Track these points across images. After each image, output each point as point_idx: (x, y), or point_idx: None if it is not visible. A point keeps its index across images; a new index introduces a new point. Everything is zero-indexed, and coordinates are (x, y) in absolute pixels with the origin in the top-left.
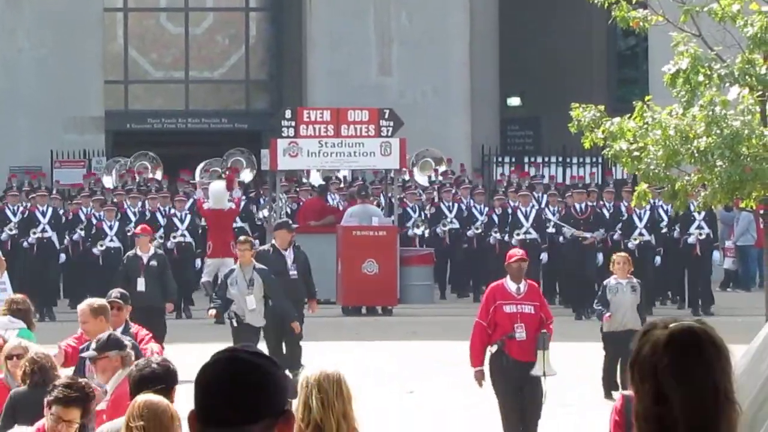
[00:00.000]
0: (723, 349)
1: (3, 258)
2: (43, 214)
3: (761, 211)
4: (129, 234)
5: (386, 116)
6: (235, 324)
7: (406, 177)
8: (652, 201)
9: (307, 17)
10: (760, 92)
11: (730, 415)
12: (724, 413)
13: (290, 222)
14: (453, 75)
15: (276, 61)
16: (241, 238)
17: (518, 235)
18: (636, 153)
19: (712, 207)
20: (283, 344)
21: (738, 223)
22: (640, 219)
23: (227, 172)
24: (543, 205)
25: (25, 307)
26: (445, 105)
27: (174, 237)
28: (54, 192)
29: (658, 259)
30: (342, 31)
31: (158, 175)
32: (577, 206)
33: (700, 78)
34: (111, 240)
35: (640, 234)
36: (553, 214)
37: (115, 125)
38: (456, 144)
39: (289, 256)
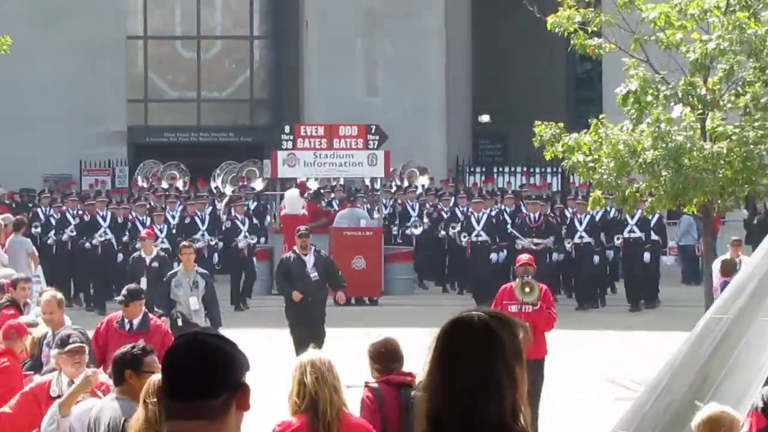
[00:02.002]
0: (504, 339)
1: (36, 253)
2: (104, 219)
3: (701, 215)
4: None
5: (373, 131)
6: (180, 323)
7: (404, 183)
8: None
9: (304, 44)
10: (701, 111)
11: (501, 398)
12: (491, 395)
13: (301, 228)
14: (431, 95)
15: (276, 82)
16: (185, 243)
17: (473, 236)
18: (591, 164)
19: (658, 213)
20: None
21: (680, 225)
22: (581, 223)
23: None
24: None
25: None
26: (424, 121)
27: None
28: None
29: (596, 258)
30: (334, 56)
31: (180, 184)
32: (532, 216)
33: (648, 98)
34: (162, 242)
35: (580, 237)
36: (512, 218)
37: (136, 139)
38: (433, 155)
39: (309, 259)
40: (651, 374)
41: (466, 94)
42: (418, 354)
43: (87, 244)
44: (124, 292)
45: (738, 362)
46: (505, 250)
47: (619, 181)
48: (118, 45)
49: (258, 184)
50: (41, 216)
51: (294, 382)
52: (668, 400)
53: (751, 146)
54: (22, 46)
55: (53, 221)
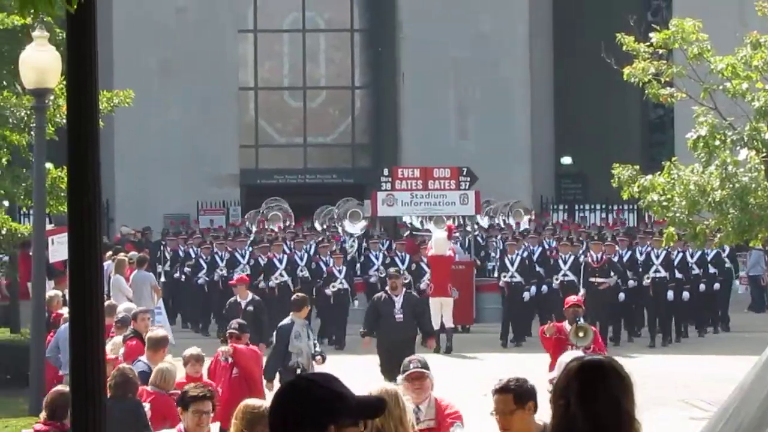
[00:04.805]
0: (626, 378)
1: (159, 287)
2: (280, 261)
3: (765, 249)
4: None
5: (464, 173)
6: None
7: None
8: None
9: (400, 93)
10: (765, 154)
11: (630, 428)
12: (625, 426)
13: (392, 270)
14: (517, 138)
15: (376, 128)
16: (301, 295)
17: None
18: (665, 203)
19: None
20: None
21: (750, 257)
22: (657, 257)
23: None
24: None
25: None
26: (510, 162)
27: (333, 287)
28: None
29: (671, 293)
30: (428, 104)
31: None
32: (594, 256)
33: (717, 143)
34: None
35: (656, 272)
36: (564, 262)
37: (248, 181)
38: (519, 194)
39: (398, 301)
40: (722, 396)
41: (549, 137)
42: (504, 374)
43: (262, 284)
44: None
45: None
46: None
47: (690, 219)
48: (231, 95)
49: (357, 228)
50: (182, 254)
51: None
52: (737, 423)
53: None
54: (147, 95)
55: (202, 262)
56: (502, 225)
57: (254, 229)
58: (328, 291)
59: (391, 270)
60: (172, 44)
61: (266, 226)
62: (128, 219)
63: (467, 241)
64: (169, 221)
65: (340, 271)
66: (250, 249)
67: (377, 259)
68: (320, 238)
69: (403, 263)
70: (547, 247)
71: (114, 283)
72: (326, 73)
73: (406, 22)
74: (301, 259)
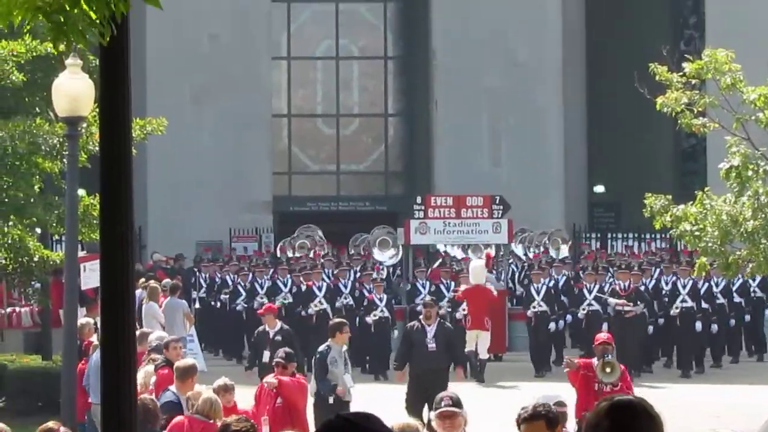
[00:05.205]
0: (656, 417)
1: (191, 314)
2: (319, 289)
3: None
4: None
5: (497, 201)
6: (331, 401)
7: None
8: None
9: (433, 122)
10: None
11: None
12: None
13: (428, 299)
14: (550, 166)
15: (409, 155)
16: (338, 320)
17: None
18: (697, 233)
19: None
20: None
21: None
22: (684, 287)
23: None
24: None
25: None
26: (543, 191)
27: (375, 315)
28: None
29: (699, 324)
30: (461, 131)
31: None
32: (621, 284)
33: (749, 173)
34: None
35: (683, 301)
36: (589, 291)
37: (281, 207)
38: (552, 222)
39: (430, 330)
40: (753, 426)
41: (582, 165)
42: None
43: (303, 313)
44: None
45: None
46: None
47: (722, 249)
48: (265, 122)
49: (390, 259)
50: (219, 281)
51: None
52: None
53: None
54: (180, 122)
55: (240, 288)
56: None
57: (289, 255)
58: (369, 319)
59: (427, 299)
60: (205, 71)
61: (295, 254)
62: (161, 245)
63: (500, 269)
64: (201, 248)
65: (380, 299)
66: (290, 276)
67: (424, 288)
68: (361, 266)
69: (448, 291)
70: (571, 275)
71: (147, 310)
72: (359, 100)
73: (439, 50)
74: (345, 287)
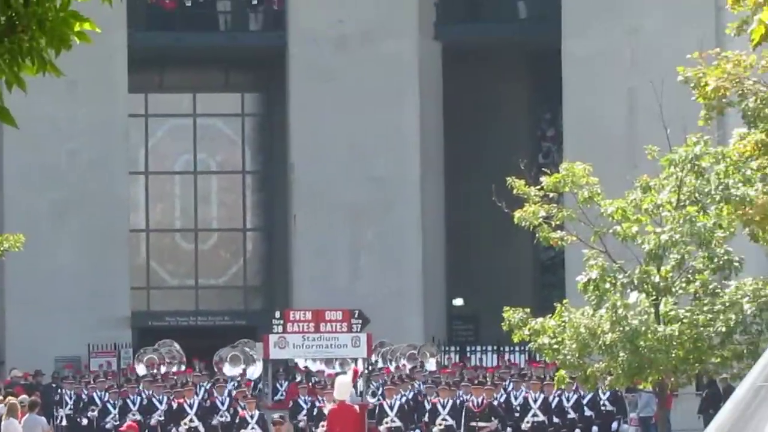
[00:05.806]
0: None
1: (51, 431)
2: (190, 407)
3: (656, 391)
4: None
5: (356, 315)
6: None
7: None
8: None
9: (292, 236)
10: (654, 297)
11: None
12: None
13: (276, 416)
14: (409, 280)
15: (268, 270)
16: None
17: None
18: (555, 346)
19: (617, 389)
20: None
21: (640, 398)
22: (535, 401)
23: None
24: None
25: None
26: (403, 304)
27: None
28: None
29: None
30: (320, 246)
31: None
32: (475, 400)
33: (607, 285)
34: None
35: (534, 415)
36: (443, 406)
37: (140, 323)
38: (412, 335)
39: None
40: None
41: (440, 279)
42: None
43: (174, 431)
44: None
45: None
46: None
47: (581, 361)
48: (123, 237)
49: (254, 371)
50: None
51: None
52: None
53: (701, 329)
54: (37, 237)
55: (110, 407)
56: (400, 367)
57: (140, 372)
58: None
59: (275, 416)
60: (63, 186)
61: (150, 369)
62: (19, 361)
63: (359, 383)
64: (60, 364)
65: (252, 416)
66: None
67: (306, 404)
68: (234, 383)
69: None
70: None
71: (7, 426)
72: (218, 215)
73: (297, 164)
74: (222, 404)
